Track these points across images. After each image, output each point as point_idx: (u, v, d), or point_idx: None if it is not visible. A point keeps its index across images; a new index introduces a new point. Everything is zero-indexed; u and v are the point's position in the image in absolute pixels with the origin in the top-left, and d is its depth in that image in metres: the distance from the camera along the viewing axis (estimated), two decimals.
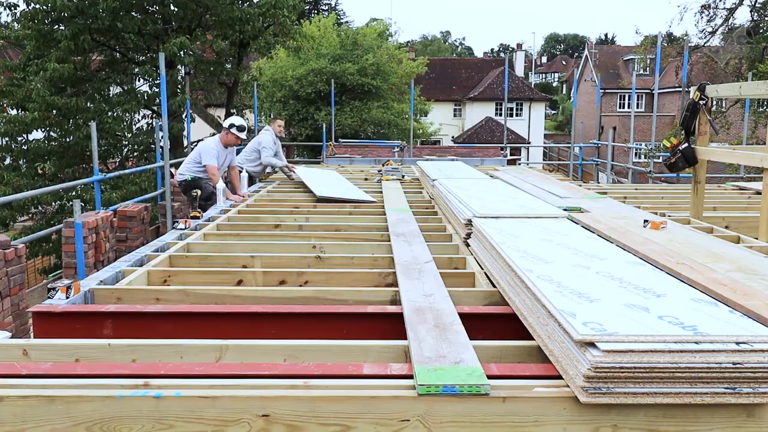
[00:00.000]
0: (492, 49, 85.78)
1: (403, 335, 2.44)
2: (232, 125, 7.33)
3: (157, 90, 12.89)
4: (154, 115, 14.22)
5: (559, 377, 2.03)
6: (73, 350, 2.37)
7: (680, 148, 5.69)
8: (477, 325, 2.61)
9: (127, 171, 11.08)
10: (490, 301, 3.06)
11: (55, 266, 11.79)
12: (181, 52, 12.50)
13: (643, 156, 20.89)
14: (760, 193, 5.55)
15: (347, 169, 10.65)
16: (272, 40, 16.04)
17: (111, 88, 14.50)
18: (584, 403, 1.87)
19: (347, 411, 1.89)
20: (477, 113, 39.19)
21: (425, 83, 36.23)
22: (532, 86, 47.51)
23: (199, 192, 6.84)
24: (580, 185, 8.21)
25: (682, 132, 5.78)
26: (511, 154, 24.89)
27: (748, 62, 17.91)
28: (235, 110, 17.93)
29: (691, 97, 5.72)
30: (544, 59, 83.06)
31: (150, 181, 11.76)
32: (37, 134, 13.01)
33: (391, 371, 2.10)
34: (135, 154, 14.10)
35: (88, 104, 12.67)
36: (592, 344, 1.92)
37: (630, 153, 17.48)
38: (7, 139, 12.68)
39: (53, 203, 12.35)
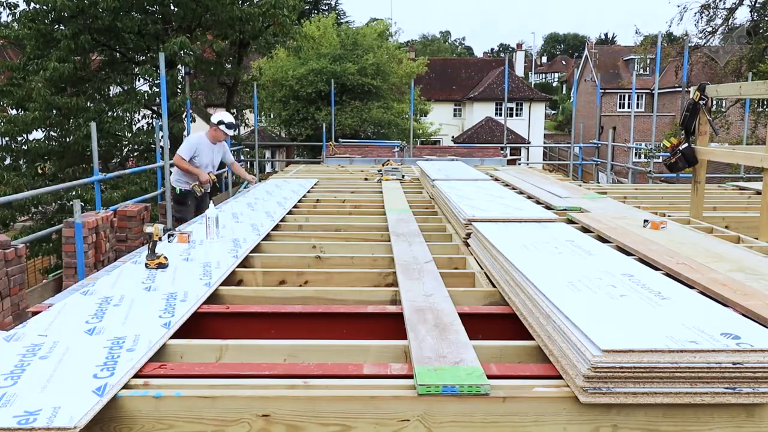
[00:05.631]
0: (492, 49, 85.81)
1: (403, 335, 2.44)
2: (221, 122, 6.99)
3: (157, 90, 12.88)
4: (154, 115, 14.22)
5: (559, 377, 2.03)
6: None
7: (680, 148, 5.70)
8: (477, 325, 2.61)
9: (127, 171, 11.07)
10: (490, 301, 3.06)
11: (55, 266, 11.79)
12: (182, 52, 12.50)
13: (643, 156, 20.91)
14: (760, 193, 5.55)
15: (347, 169, 10.66)
16: (272, 40, 16.04)
17: (111, 88, 14.50)
18: (584, 403, 1.87)
19: (347, 411, 1.89)
20: (477, 113, 39.20)
21: (425, 83, 36.25)
22: (532, 86, 47.51)
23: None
24: (580, 185, 8.21)
25: (682, 132, 5.79)
26: (511, 154, 24.90)
27: (747, 62, 17.92)
28: (235, 110, 17.95)
29: (691, 97, 5.73)
30: (544, 59, 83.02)
31: (150, 181, 11.76)
32: (37, 134, 13.01)
33: (391, 371, 2.10)
34: (135, 154, 14.10)
35: (89, 104, 12.67)
36: (591, 344, 1.92)
37: (630, 153, 17.50)
38: (7, 138, 12.69)
39: (53, 203, 12.34)
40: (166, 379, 2.04)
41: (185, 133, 13.27)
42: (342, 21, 34.46)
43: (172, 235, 4.04)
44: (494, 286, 3.17)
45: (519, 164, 17.60)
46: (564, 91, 64.48)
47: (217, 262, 3.58)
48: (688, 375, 1.85)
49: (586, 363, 1.87)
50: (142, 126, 14.19)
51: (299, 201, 6.41)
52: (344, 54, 23.22)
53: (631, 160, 16.75)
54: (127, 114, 13.51)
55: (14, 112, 12.81)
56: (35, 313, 2.76)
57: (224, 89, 17.00)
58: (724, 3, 19.50)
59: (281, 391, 1.93)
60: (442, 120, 37.80)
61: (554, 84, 70.15)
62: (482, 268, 3.52)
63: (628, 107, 35.98)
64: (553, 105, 57.69)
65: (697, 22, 20.18)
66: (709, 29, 19.68)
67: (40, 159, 12.58)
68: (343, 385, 1.98)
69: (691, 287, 2.74)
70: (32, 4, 12.11)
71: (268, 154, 25.77)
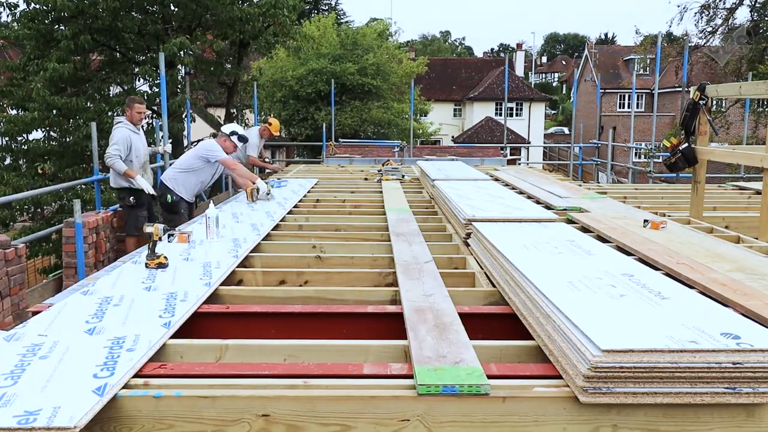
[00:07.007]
0: (492, 49, 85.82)
1: (403, 335, 2.44)
2: (234, 133, 6.57)
3: (157, 90, 12.87)
4: (154, 115, 14.22)
5: (559, 377, 2.03)
6: None
7: (680, 148, 5.70)
8: (477, 325, 2.61)
9: None
10: (490, 301, 3.06)
11: (55, 266, 11.77)
12: (181, 52, 12.49)
13: (643, 156, 20.91)
14: (760, 193, 5.55)
15: (347, 169, 10.66)
16: (272, 40, 16.03)
17: (111, 88, 14.48)
18: (584, 403, 1.87)
19: (347, 411, 1.89)
20: (477, 113, 39.19)
21: (425, 83, 36.24)
22: (532, 86, 47.49)
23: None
24: (580, 185, 8.21)
25: (682, 132, 5.79)
26: (511, 154, 24.90)
27: (747, 62, 17.92)
28: (235, 110, 17.94)
29: (691, 97, 5.73)
30: (544, 59, 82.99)
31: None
32: (36, 134, 13.00)
33: (390, 371, 2.10)
34: None
35: (88, 104, 12.66)
36: (591, 344, 1.92)
37: (630, 153, 17.51)
38: (6, 139, 12.68)
39: (53, 203, 12.34)
40: (166, 379, 2.04)
41: (185, 132, 13.28)
42: (342, 21, 34.46)
43: (172, 235, 4.04)
44: (494, 286, 3.17)
45: (519, 164, 17.60)
46: (564, 91, 64.47)
47: (217, 261, 3.58)
48: (688, 375, 1.85)
49: (586, 363, 1.87)
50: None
51: (299, 201, 6.41)
52: (344, 54, 23.21)
53: (631, 160, 16.75)
54: None
55: (14, 112, 12.79)
56: (35, 313, 2.76)
57: (224, 89, 16.98)
58: (724, 3, 19.51)
59: (281, 391, 1.93)
60: (442, 120, 37.80)
61: (554, 84, 70.12)
62: (482, 268, 3.52)
63: (628, 107, 35.98)
64: (553, 105, 57.65)
65: (697, 22, 20.17)
66: (709, 29, 19.69)
67: (40, 159, 12.56)
68: (343, 385, 1.98)
69: (691, 287, 2.74)
70: (32, 5, 12.10)
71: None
